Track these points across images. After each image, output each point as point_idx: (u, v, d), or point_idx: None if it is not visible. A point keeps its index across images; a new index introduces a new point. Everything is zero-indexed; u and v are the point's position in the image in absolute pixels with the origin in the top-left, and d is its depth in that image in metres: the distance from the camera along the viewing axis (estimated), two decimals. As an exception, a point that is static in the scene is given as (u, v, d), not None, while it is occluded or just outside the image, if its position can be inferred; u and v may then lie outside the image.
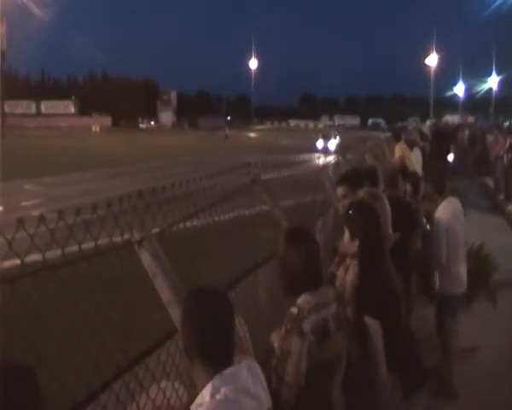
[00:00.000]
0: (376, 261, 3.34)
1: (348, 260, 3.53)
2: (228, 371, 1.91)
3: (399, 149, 11.31)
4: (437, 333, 5.81)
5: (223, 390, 1.86)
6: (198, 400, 1.89)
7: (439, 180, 6.06)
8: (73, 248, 2.05)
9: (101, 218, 2.15)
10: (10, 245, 1.73)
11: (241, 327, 3.12)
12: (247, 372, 1.97)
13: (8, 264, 1.80)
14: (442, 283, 5.67)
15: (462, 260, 5.81)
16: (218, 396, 1.85)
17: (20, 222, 1.79)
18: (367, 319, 3.14)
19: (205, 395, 1.87)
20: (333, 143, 39.79)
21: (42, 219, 1.88)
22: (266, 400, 2.04)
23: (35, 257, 1.85)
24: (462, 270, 5.77)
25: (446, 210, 5.74)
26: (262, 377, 2.09)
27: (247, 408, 1.89)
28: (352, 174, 5.04)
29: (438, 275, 5.68)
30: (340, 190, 4.64)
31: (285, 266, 2.79)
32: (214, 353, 1.94)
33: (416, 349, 4.65)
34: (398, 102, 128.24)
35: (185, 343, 1.95)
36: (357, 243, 3.35)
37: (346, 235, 3.45)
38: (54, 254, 1.94)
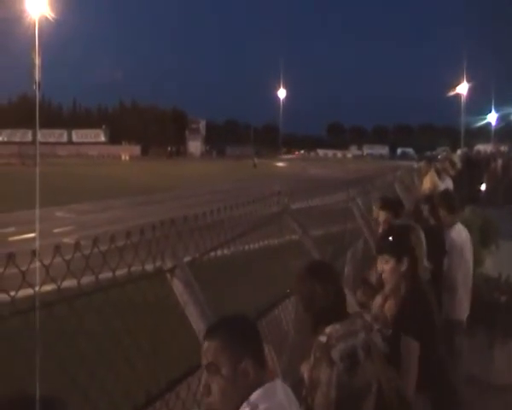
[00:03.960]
0: (420, 282, 3.35)
1: (387, 289, 3.50)
2: (263, 389, 1.91)
3: (429, 179, 11.27)
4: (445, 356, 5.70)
5: (261, 407, 1.86)
6: None
7: (448, 201, 5.99)
8: (107, 275, 2.08)
9: (134, 245, 2.19)
10: (47, 271, 1.77)
11: (270, 356, 3.12)
12: (281, 390, 1.97)
13: (43, 290, 1.83)
14: (451, 307, 5.56)
15: (470, 285, 5.78)
16: None
17: (57, 249, 1.84)
18: (407, 339, 3.12)
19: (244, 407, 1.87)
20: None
21: (77, 245, 1.93)
22: None
23: (68, 283, 1.89)
24: (468, 295, 5.73)
25: (460, 233, 5.70)
26: (294, 397, 2.08)
27: None
28: (395, 201, 5.04)
29: (448, 299, 5.56)
30: (383, 215, 4.65)
31: (310, 302, 2.77)
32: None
33: (447, 375, 4.56)
34: (427, 131, 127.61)
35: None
36: (405, 263, 3.35)
37: (380, 264, 3.44)
38: (88, 280, 1.98)
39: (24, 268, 1.76)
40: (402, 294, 3.35)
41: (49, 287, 1.86)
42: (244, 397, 1.88)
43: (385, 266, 3.43)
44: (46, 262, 1.83)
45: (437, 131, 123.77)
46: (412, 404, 3.14)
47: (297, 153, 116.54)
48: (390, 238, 3.47)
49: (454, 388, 4.92)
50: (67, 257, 1.89)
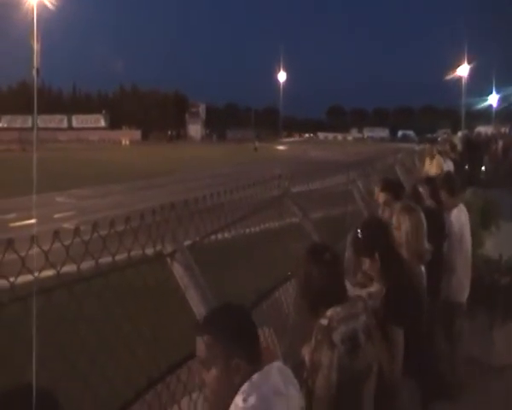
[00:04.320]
0: (396, 272, 3.33)
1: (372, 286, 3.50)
2: (257, 375, 1.91)
3: (436, 163, 11.21)
4: (445, 339, 5.72)
5: (255, 394, 1.86)
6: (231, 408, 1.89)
7: (449, 183, 5.98)
8: (107, 259, 2.08)
9: (134, 230, 2.18)
10: (47, 256, 1.77)
11: (271, 339, 3.13)
12: (277, 374, 1.96)
13: (42, 275, 1.83)
14: (451, 289, 5.57)
15: (469, 267, 5.81)
16: (251, 400, 1.84)
17: (56, 234, 1.83)
18: (391, 326, 3.14)
19: (237, 401, 1.87)
20: None
21: (77, 231, 1.91)
22: (299, 400, 2.03)
23: (68, 268, 1.89)
24: (468, 278, 5.77)
25: (460, 216, 5.71)
26: (293, 378, 2.07)
27: (279, 409, 1.89)
28: (395, 182, 5.03)
29: (447, 281, 5.57)
30: (383, 197, 4.64)
31: (308, 285, 2.77)
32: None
33: (435, 357, 4.60)
34: (428, 113, 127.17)
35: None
36: (377, 258, 3.33)
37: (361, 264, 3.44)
38: (88, 265, 1.98)
39: (23, 254, 1.76)
40: (385, 285, 3.34)
41: (49, 272, 1.85)
42: (237, 389, 1.88)
43: (364, 266, 3.42)
44: (46, 248, 1.82)
45: (438, 113, 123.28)
46: (400, 388, 3.17)
47: (301, 136, 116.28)
48: (359, 236, 3.44)
49: (442, 368, 4.94)
50: (67, 242, 1.89)
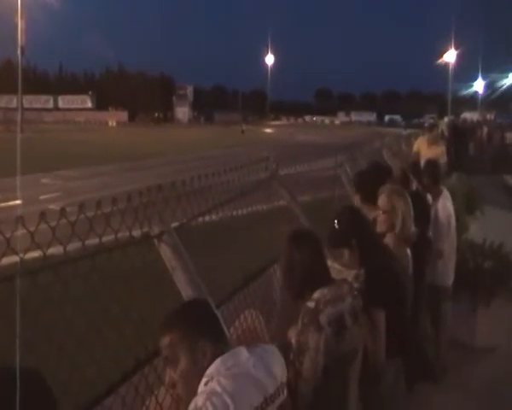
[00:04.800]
0: (374, 257, 3.34)
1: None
2: (222, 357, 1.91)
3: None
4: (431, 323, 5.81)
5: (217, 376, 1.86)
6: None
7: (432, 172, 6.04)
8: (93, 241, 2.06)
9: (121, 211, 2.16)
10: (33, 238, 1.75)
11: (258, 322, 3.13)
12: (246, 355, 1.95)
13: (27, 257, 1.81)
14: (437, 274, 5.64)
15: (455, 252, 5.91)
16: (211, 383, 1.85)
17: (42, 215, 1.81)
18: (372, 309, 3.15)
19: (201, 385, 1.88)
20: None
21: (63, 212, 1.89)
22: (272, 380, 1.99)
23: (54, 250, 1.87)
24: (454, 262, 5.88)
25: (445, 202, 5.78)
26: (273, 360, 2.04)
27: (245, 392, 1.88)
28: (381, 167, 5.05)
29: (433, 266, 5.62)
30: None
31: (291, 269, 2.80)
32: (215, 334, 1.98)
33: (421, 339, 4.64)
34: (415, 98, 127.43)
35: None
36: (355, 246, 3.33)
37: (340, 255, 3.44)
38: (74, 247, 1.96)
39: (8, 235, 1.74)
40: (365, 270, 3.34)
41: (35, 254, 1.84)
42: (203, 374, 1.90)
43: (343, 259, 3.40)
44: (31, 229, 1.80)
45: (425, 98, 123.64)
46: (384, 371, 3.20)
47: (288, 119, 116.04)
48: (335, 227, 3.42)
49: (427, 351, 4.99)
50: (53, 224, 1.87)
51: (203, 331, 1.95)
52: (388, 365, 3.26)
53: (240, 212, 3.30)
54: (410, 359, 3.68)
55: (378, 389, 3.23)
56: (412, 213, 4.04)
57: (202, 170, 3.10)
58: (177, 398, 2.03)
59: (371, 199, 4.28)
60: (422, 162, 7.23)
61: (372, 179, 4.61)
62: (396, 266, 3.51)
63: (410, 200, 4.09)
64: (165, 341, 1.96)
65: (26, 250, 1.78)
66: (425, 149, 10.85)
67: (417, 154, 10.70)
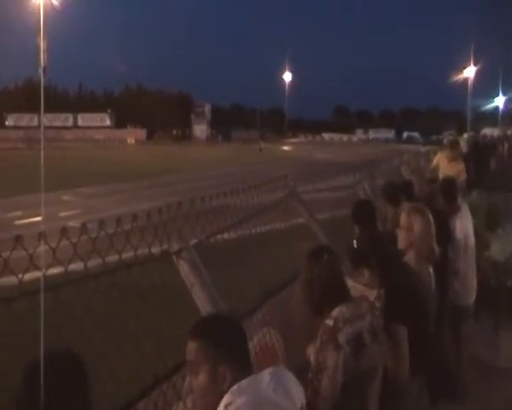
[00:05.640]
0: (393, 274, 3.33)
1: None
2: (244, 382, 1.91)
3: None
4: (452, 341, 5.72)
5: (238, 401, 1.85)
6: None
7: (448, 190, 5.95)
8: (113, 257, 2.08)
9: (140, 229, 2.19)
10: (54, 253, 1.77)
11: (276, 340, 3.13)
12: (268, 380, 1.95)
13: (49, 272, 1.83)
14: (456, 293, 5.56)
15: (475, 271, 5.80)
16: (231, 407, 1.84)
17: (63, 231, 1.84)
18: (394, 326, 3.13)
19: (220, 407, 1.86)
20: None
21: (84, 228, 1.92)
22: (292, 407, 1.97)
23: (75, 266, 1.90)
24: (473, 281, 5.76)
25: (463, 221, 5.69)
26: (290, 384, 2.04)
27: None
28: (387, 189, 5.03)
29: (452, 285, 5.56)
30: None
31: (310, 285, 2.80)
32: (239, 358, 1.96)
33: (444, 357, 4.57)
34: (433, 115, 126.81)
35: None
36: (374, 266, 3.33)
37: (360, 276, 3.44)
38: (95, 263, 1.99)
39: (30, 251, 1.76)
40: (385, 289, 3.33)
41: (55, 270, 1.86)
42: (222, 396, 1.88)
43: (363, 278, 3.40)
44: (52, 245, 1.82)
45: (443, 114, 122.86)
46: (407, 389, 3.16)
47: (306, 136, 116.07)
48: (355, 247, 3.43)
49: (450, 369, 4.92)
50: (74, 240, 1.89)
51: (226, 355, 1.93)
52: (412, 382, 3.22)
53: (258, 230, 3.31)
54: (434, 376, 3.64)
55: (401, 405, 3.20)
56: (433, 231, 4.00)
57: (220, 188, 3.13)
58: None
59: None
60: (441, 179, 7.18)
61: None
62: (417, 283, 3.49)
63: (430, 218, 4.05)
64: (191, 347, 1.96)
65: (48, 266, 1.80)
66: (445, 165, 10.70)
67: (436, 170, 10.61)
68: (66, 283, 1.87)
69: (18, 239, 1.67)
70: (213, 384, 1.91)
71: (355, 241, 3.40)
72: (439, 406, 4.22)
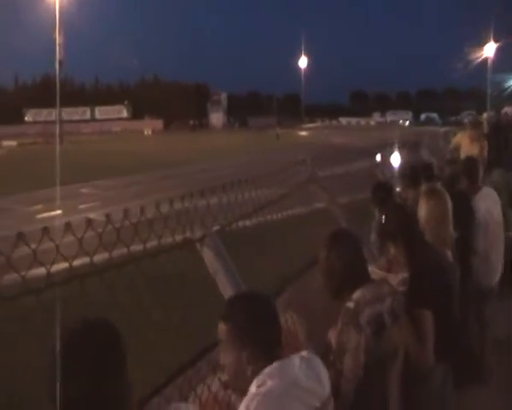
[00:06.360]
0: (419, 253, 3.33)
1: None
2: (276, 364, 1.92)
3: (459, 140, 10.92)
4: (475, 323, 5.67)
5: (269, 383, 1.87)
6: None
7: (471, 170, 5.88)
8: (138, 246, 2.11)
9: (163, 217, 2.21)
10: (81, 244, 1.80)
11: (298, 324, 3.14)
12: (299, 364, 1.97)
13: (75, 263, 1.87)
14: (480, 274, 5.50)
15: (500, 251, 5.71)
16: (262, 388, 1.86)
17: (89, 223, 1.87)
18: (418, 309, 3.13)
19: (251, 388, 1.89)
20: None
21: (108, 219, 1.95)
22: (322, 392, 2.01)
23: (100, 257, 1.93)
24: (496, 262, 5.67)
25: (485, 199, 5.63)
26: (320, 369, 2.07)
27: (296, 401, 1.89)
28: (406, 172, 5.00)
29: (475, 266, 5.49)
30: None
31: (331, 268, 2.80)
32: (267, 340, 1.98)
33: (469, 341, 4.55)
34: (451, 95, 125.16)
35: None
36: (400, 243, 3.33)
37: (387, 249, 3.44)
38: (118, 253, 2.01)
39: (53, 244, 1.79)
40: (409, 268, 3.33)
41: (80, 261, 1.89)
42: (251, 377, 1.91)
43: (388, 253, 3.42)
44: (72, 238, 1.85)
45: (462, 94, 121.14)
46: (432, 374, 3.16)
47: (323, 121, 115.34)
48: (383, 221, 3.45)
49: (475, 353, 4.89)
50: (96, 231, 1.92)
51: (257, 336, 1.96)
52: (437, 366, 3.22)
53: (279, 215, 3.32)
54: (459, 360, 3.62)
55: (426, 390, 3.20)
56: (450, 213, 3.96)
57: (238, 176, 3.13)
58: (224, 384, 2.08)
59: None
60: (463, 159, 7.10)
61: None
62: (443, 264, 3.49)
63: (448, 200, 4.01)
64: (222, 328, 2.00)
65: (74, 257, 1.83)
66: (466, 145, 10.56)
67: (457, 150, 10.49)
68: (92, 273, 1.90)
69: (44, 231, 1.70)
70: (240, 367, 1.94)
71: (384, 216, 3.42)
72: (463, 391, 4.20)
